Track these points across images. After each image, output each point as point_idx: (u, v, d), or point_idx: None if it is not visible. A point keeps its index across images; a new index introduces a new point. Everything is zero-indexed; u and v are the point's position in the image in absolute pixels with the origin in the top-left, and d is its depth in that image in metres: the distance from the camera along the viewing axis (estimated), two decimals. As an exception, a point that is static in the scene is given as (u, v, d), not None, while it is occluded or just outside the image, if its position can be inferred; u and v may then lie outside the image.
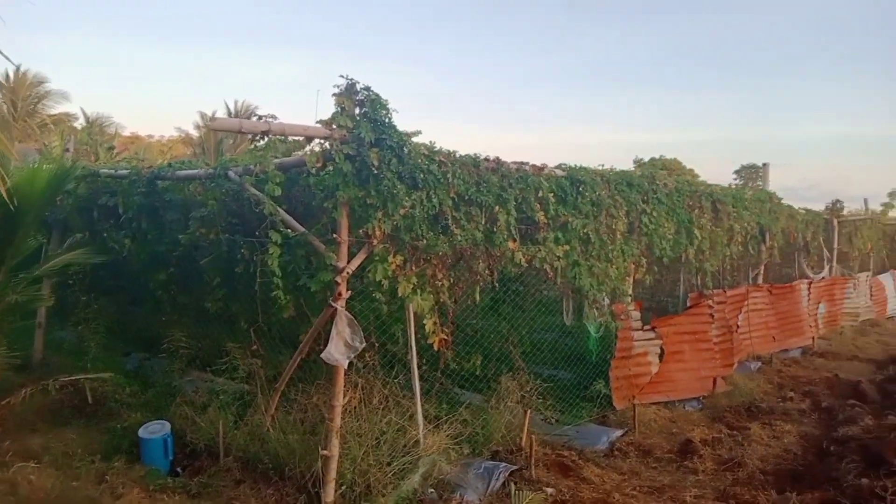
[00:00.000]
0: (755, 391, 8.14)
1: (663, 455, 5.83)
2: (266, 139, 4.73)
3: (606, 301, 6.72)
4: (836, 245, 13.32)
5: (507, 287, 7.03)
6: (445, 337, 4.99)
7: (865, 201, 16.00)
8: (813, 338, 11.43)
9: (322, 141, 4.40)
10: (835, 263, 13.35)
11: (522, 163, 5.69)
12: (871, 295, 15.23)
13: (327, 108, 4.33)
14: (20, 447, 4.77)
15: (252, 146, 5.83)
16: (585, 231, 6.18)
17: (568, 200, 6.03)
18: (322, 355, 4.28)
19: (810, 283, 11.97)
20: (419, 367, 5.39)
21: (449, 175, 4.77)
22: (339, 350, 4.27)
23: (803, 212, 11.99)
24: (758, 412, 7.22)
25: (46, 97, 27.49)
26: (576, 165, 6.33)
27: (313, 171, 4.38)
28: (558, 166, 6.21)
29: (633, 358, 7.26)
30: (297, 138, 4.79)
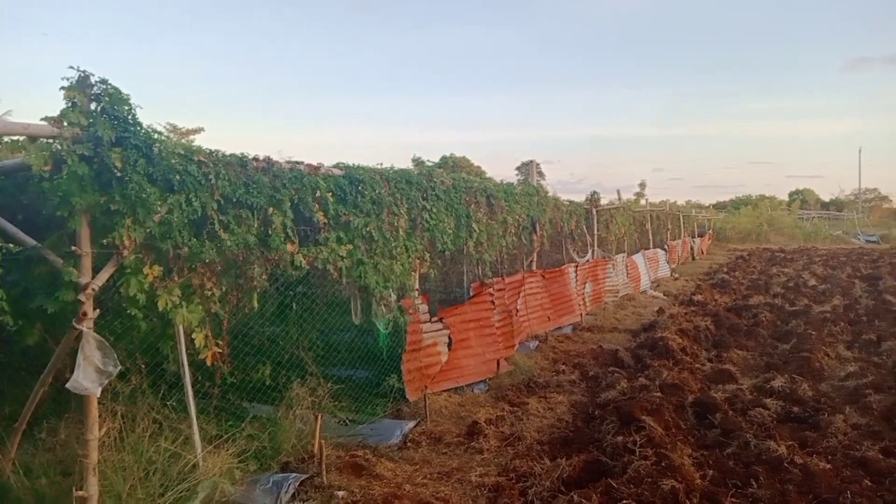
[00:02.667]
0: (533, 368, 8.90)
1: (453, 440, 6.09)
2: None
3: (393, 297, 6.84)
4: (596, 231, 15.12)
5: (293, 290, 6.83)
6: (220, 350, 4.67)
7: (619, 192, 18.50)
8: (581, 315, 12.86)
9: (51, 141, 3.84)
10: (596, 247, 15.13)
11: (297, 162, 5.54)
12: (628, 273, 17.61)
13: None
14: None
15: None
16: (368, 229, 6.23)
17: (348, 200, 6.01)
18: (68, 385, 3.75)
19: (577, 267, 13.45)
20: (196, 385, 5.00)
21: (212, 176, 4.46)
22: (88, 377, 3.76)
23: (567, 203, 13.41)
24: (536, 387, 7.90)
25: None
26: (354, 164, 6.34)
27: (44, 174, 3.81)
28: (336, 165, 6.16)
29: (423, 349, 7.50)
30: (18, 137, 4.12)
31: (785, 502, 4.56)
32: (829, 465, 5.22)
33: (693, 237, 32.01)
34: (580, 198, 15.43)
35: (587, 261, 14.41)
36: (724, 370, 8.33)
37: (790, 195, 76.78)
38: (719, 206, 66.43)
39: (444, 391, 7.52)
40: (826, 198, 77.05)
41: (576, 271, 13.27)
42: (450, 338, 7.97)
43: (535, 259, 11.54)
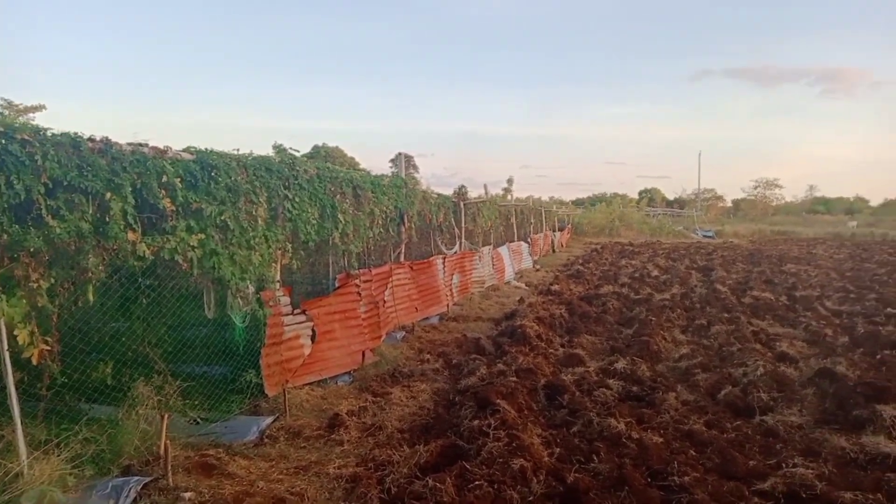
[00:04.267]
0: (399, 358, 9.00)
1: (313, 433, 6.00)
2: None
3: (251, 289, 6.59)
4: (463, 224, 15.53)
5: (138, 283, 6.36)
6: (48, 347, 4.26)
7: (486, 187, 19.13)
8: (448, 305, 13.18)
9: None
10: (464, 240, 15.56)
11: (140, 144, 5.17)
12: (494, 265, 18.29)
13: None
14: None
15: None
16: (223, 218, 5.95)
17: (199, 186, 5.70)
18: None
19: (445, 258, 13.75)
20: (23, 385, 4.53)
21: (38, 157, 4.06)
22: None
23: (436, 196, 13.64)
24: (400, 377, 7.99)
25: None
26: (207, 149, 6.01)
27: None
28: (186, 149, 5.81)
29: (284, 343, 7.30)
30: None
31: (622, 474, 4.96)
32: (661, 439, 5.77)
33: (554, 231, 33.89)
34: (452, 191, 15.78)
35: (455, 253, 14.77)
36: (575, 354, 8.92)
37: (640, 193, 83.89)
38: (578, 203, 70.98)
39: (307, 385, 7.38)
40: (671, 196, 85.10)
41: (444, 263, 13.56)
42: (313, 330, 7.83)
43: (403, 251, 11.63)
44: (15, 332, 4.10)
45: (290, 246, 7.38)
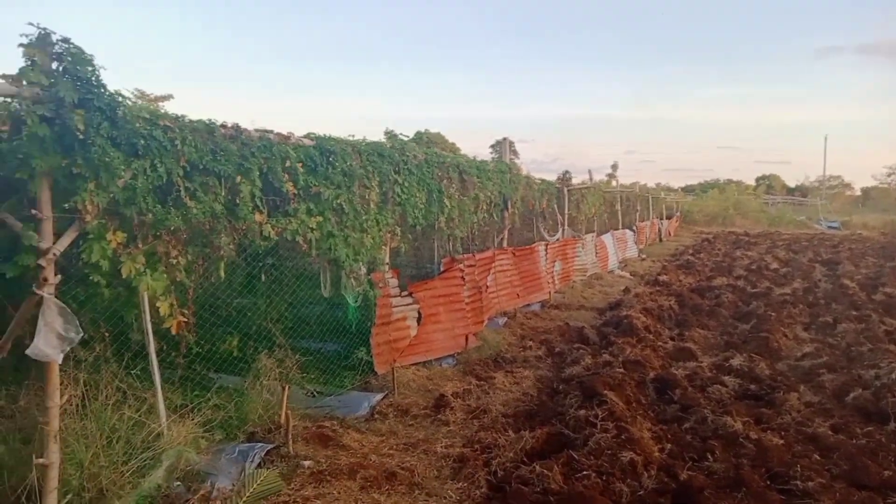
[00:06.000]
0: (501, 343, 9.02)
1: (420, 412, 6.16)
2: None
3: (364, 270, 6.83)
4: (567, 210, 15.24)
5: (262, 262, 6.77)
6: (185, 319, 4.63)
7: (590, 172, 18.59)
8: (550, 292, 13.02)
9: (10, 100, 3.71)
10: (566, 226, 15.28)
11: (266, 131, 5.45)
12: (597, 253, 17.85)
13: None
14: None
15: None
16: (339, 202, 6.18)
17: (318, 171, 5.95)
18: (28, 351, 3.67)
19: (547, 245, 13.57)
20: (162, 355, 4.95)
21: (178, 142, 4.37)
22: (49, 344, 3.69)
23: (539, 181, 13.47)
24: (503, 362, 8.02)
25: None
26: (325, 135, 6.26)
27: (2, 135, 3.70)
28: (307, 135, 6.08)
29: (392, 323, 7.53)
30: None
31: (738, 475, 4.71)
32: (781, 441, 5.42)
33: (661, 219, 32.52)
34: (553, 177, 15.52)
35: (557, 239, 14.55)
36: (686, 348, 8.55)
37: (757, 180, 78.38)
38: (688, 190, 67.52)
39: (413, 365, 7.57)
40: (792, 184, 78.91)
41: (546, 250, 13.39)
42: (419, 312, 8.00)
43: (505, 236, 11.60)
44: (157, 304, 4.48)
45: (398, 229, 7.56)
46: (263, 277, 6.54)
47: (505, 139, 13.37)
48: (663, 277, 15.74)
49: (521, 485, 4.49)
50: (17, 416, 4.16)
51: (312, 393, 6.38)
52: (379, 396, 6.39)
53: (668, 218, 35.09)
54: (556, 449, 5.14)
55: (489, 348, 8.67)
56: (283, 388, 5.40)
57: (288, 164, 5.51)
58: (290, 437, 4.97)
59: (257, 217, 5.15)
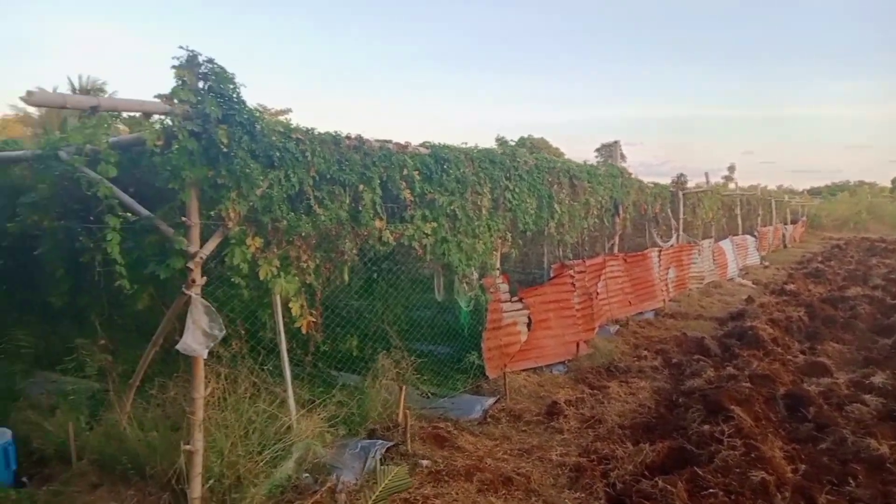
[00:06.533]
0: (614, 352, 8.76)
1: (532, 418, 6.13)
2: (96, 115, 4.30)
3: (475, 275, 6.90)
4: (681, 215, 14.59)
5: (379, 266, 7.02)
6: (314, 319, 4.89)
7: (707, 175, 17.59)
8: (664, 300, 12.50)
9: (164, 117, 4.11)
10: (681, 232, 14.61)
11: (385, 141, 5.65)
12: (714, 259, 16.92)
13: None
14: None
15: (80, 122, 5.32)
16: (452, 208, 6.30)
17: (433, 178, 6.09)
18: (178, 346, 4.04)
19: (660, 251, 13.05)
20: (290, 352, 5.25)
21: (308, 153, 4.64)
22: (196, 340, 4.04)
23: (652, 185, 12.99)
24: (616, 371, 7.79)
25: None
26: (440, 143, 6.41)
27: (156, 149, 4.09)
28: (422, 144, 6.25)
29: (503, 328, 7.54)
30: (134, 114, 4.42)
31: None
32: (937, 469, 4.89)
33: (785, 224, 30.30)
34: (663, 181, 14.89)
35: (671, 245, 13.96)
36: (819, 363, 7.91)
37: (893, 181, 71.05)
38: (814, 192, 62.46)
39: (523, 370, 7.54)
40: (936, 184, 70.79)
41: (659, 256, 12.88)
42: (529, 318, 7.97)
43: (616, 242, 11.30)
44: (289, 305, 4.77)
45: (509, 235, 7.57)
46: (383, 283, 6.78)
47: (616, 142, 13.09)
48: (790, 286, 14.65)
49: (643, 499, 4.35)
50: (167, 406, 4.58)
51: (426, 394, 6.52)
52: (491, 400, 6.42)
53: (793, 223, 32.63)
54: (678, 464, 4.93)
55: (601, 356, 8.46)
56: (401, 389, 5.57)
57: (405, 172, 5.69)
58: (408, 436, 5.11)
59: (377, 223, 5.35)
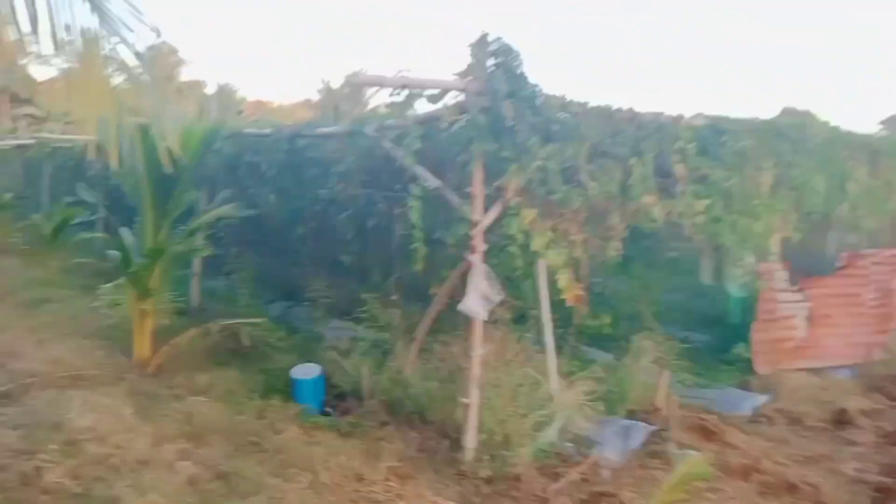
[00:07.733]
0: (920, 361, 7.34)
1: (815, 424, 5.45)
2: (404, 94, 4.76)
3: (749, 260, 6.28)
4: None
5: (638, 244, 6.78)
6: (581, 293, 4.90)
7: None
8: None
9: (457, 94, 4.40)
10: None
11: (658, 113, 5.39)
12: None
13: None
14: (190, 382, 5.31)
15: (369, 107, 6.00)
16: (728, 184, 5.78)
17: (709, 151, 5.63)
18: (459, 307, 4.37)
19: None
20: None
21: (582, 126, 4.62)
22: (476, 302, 4.32)
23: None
24: (924, 383, 6.52)
25: (180, 65, 29.59)
26: (716, 114, 5.90)
27: (447, 125, 4.43)
28: (696, 115, 5.81)
29: (777, 321, 6.78)
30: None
31: None
32: None
33: None
34: None
35: None
36: None
37: None
38: None
39: (800, 369, 6.71)
40: None
41: None
42: (809, 312, 7.04)
43: (928, 230, 9.37)
44: (556, 277, 4.84)
45: (791, 217, 6.72)
46: (641, 262, 6.55)
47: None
48: None
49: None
50: (449, 361, 4.99)
51: (685, 382, 6.15)
52: (763, 398, 5.84)
53: None
54: None
55: (901, 364, 7.15)
56: (663, 373, 5.34)
57: (678, 145, 5.35)
58: (672, 422, 4.90)
59: (648, 199, 5.14)
